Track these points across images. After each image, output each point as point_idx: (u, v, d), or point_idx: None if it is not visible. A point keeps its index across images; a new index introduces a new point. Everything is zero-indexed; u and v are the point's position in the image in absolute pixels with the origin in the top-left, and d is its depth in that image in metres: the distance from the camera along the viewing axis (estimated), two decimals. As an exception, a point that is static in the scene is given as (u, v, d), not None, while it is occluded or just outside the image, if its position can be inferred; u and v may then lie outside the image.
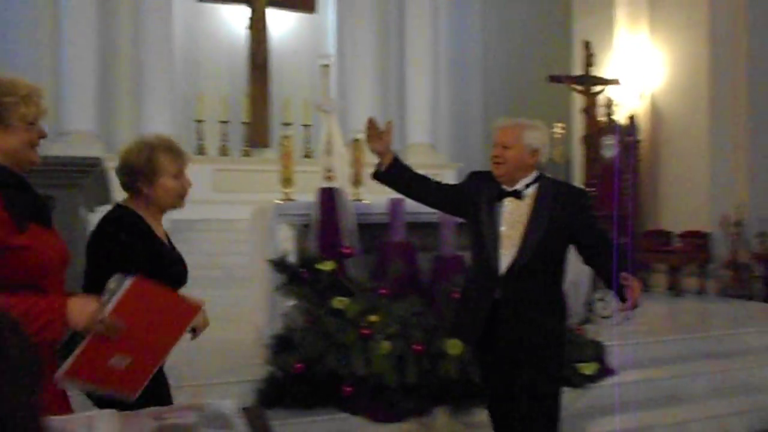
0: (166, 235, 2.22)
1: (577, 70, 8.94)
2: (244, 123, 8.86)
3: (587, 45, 8.57)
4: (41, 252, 1.69)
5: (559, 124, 7.05)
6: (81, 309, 1.62)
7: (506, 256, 2.62)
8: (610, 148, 8.84)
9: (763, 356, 5.01)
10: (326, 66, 4.45)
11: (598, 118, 8.86)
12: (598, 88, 8.56)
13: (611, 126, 8.85)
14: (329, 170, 4.26)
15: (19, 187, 1.73)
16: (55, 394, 1.75)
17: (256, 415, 1.67)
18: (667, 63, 8.68)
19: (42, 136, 1.79)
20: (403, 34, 9.76)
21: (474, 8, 11.66)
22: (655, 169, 8.85)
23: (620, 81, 8.76)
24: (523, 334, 2.62)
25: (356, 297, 3.70)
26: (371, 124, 2.75)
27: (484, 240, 2.66)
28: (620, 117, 8.84)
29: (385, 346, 3.51)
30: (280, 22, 9.47)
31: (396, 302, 3.72)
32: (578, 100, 9.03)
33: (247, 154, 8.72)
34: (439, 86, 10.07)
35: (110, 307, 1.62)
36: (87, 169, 3.46)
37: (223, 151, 8.68)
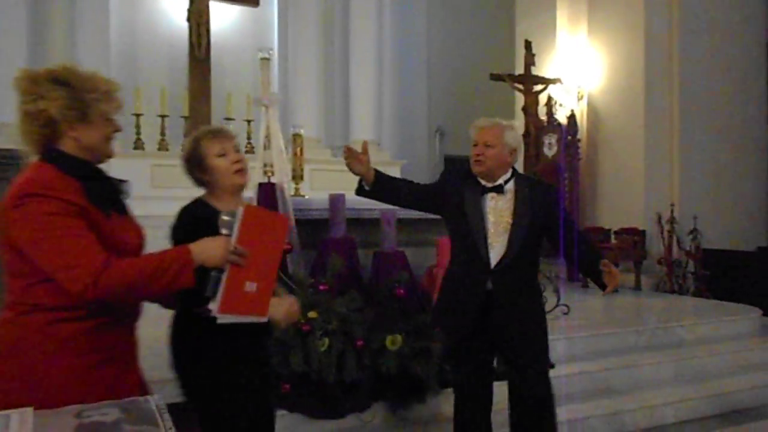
0: None
1: (520, 70, 9.08)
2: (184, 117, 8.65)
3: (528, 45, 8.70)
4: (121, 237, 1.81)
5: (501, 123, 7.15)
6: (211, 247, 1.79)
7: (495, 249, 2.81)
8: (551, 146, 9.02)
9: (693, 349, 5.18)
10: (266, 59, 4.38)
11: (540, 117, 9.02)
12: (539, 87, 8.70)
13: (552, 125, 9.03)
14: (268, 165, 4.21)
15: (98, 179, 1.83)
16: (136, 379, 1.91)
17: (183, 411, 1.63)
18: (605, 64, 8.90)
19: (117, 130, 1.88)
20: (347, 30, 9.73)
21: (419, 5, 11.71)
22: (594, 167, 9.07)
23: (561, 80, 8.92)
24: (516, 320, 2.86)
25: (295, 293, 3.66)
26: (349, 151, 2.83)
27: (473, 234, 2.81)
28: (561, 116, 9.02)
29: (325, 342, 3.49)
30: (222, 15, 9.29)
31: (336, 298, 3.70)
32: (521, 99, 9.18)
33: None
34: (383, 83, 10.07)
35: (235, 238, 1.80)
36: (11, 162, 3.32)
37: (162, 146, 8.47)
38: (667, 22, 8.36)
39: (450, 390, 3.88)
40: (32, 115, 1.75)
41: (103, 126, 1.83)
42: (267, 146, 4.33)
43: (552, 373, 4.34)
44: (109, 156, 1.89)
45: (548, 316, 5.43)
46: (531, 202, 2.82)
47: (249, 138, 8.55)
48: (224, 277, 1.82)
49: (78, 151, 1.80)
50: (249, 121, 8.54)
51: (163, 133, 8.53)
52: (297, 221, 4.18)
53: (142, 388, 1.91)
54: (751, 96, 8.68)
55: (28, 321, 1.72)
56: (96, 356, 1.76)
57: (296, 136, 4.56)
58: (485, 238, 2.81)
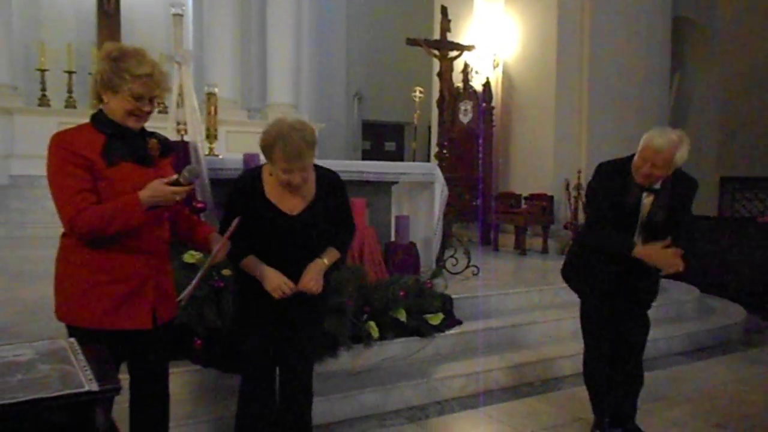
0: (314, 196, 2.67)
1: (438, 36, 9.18)
2: (92, 74, 8.33)
3: (444, 10, 8.80)
4: (119, 183, 2.18)
5: (419, 88, 7.23)
6: (153, 187, 2.16)
7: (639, 236, 3.23)
8: (467, 113, 9.22)
9: (591, 306, 5.50)
10: (178, 15, 4.28)
11: (455, 84, 9.17)
12: (454, 53, 8.83)
13: (468, 91, 9.21)
14: (181, 123, 4.15)
15: (119, 135, 2.23)
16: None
17: (94, 350, 1.66)
18: (520, 33, 9.11)
19: (143, 110, 2.24)
20: (265, -10, 9.55)
21: (339, -32, 11.59)
22: (508, 134, 9.32)
23: (475, 47, 9.07)
24: (648, 285, 3.39)
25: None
26: None
27: (623, 221, 3.21)
28: (477, 84, 9.21)
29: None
30: (133, -31, 8.94)
31: (250, 256, 3.72)
32: (438, 65, 9.29)
33: (95, 106, 8.22)
34: (301, 45, 9.97)
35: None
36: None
37: (69, 103, 8.13)
38: (579, -6, 8.62)
39: (361, 345, 4.03)
40: (93, 76, 2.26)
41: (126, 101, 2.20)
42: (180, 104, 4.26)
43: (459, 329, 4.59)
44: (130, 127, 2.25)
45: (459, 277, 5.73)
46: (670, 199, 3.18)
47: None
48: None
49: (110, 113, 2.24)
50: (162, 80, 8.28)
51: (70, 90, 8.19)
52: (211, 181, 4.16)
53: (160, 313, 2.36)
54: (655, 69, 9.10)
55: (63, 244, 2.27)
56: (106, 276, 2.21)
57: (210, 95, 4.50)
58: (634, 226, 3.23)
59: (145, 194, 2.16)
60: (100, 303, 2.20)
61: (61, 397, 1.36)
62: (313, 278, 2.62)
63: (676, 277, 3.65)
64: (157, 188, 2.17)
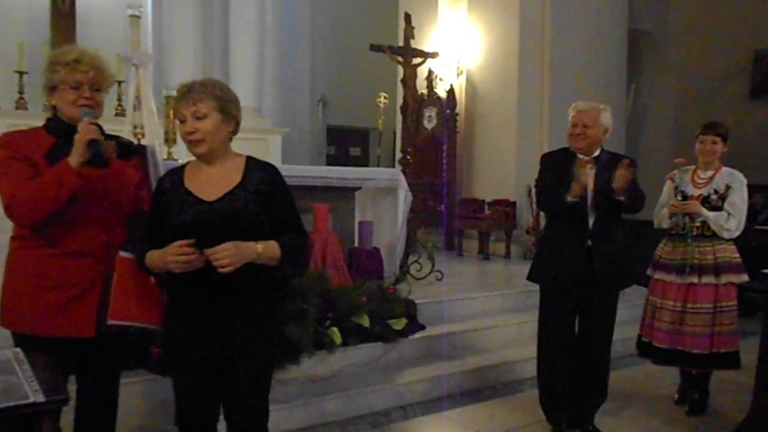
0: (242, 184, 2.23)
1: (401, 42, 9.19)
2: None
3: (408, 17, 8.82)
4: None
5: (383, 94, 7.22)
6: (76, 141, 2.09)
7: (591, 213, 3.31)
8: (431, 119, 9.24)
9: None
10: (136, 17, 4.20)
11: (419, 90, 9.19)
12: (418, 60, 8.85)
13: (432, 98, 9.24)
14: (138, 127, 4.05)
15: (69, 137, 2.14)
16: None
17: (41, 360, 1.59)
18: (483, 42, 9.18)
19: (84, 96, 2.19)
20: (227, -8, 9.41)
21: (302, -28, 11.53)
22: (471, 141, 9.38)
23: (439, 54, 9.11)
24: (612, 269, 3.35)
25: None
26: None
27: (577, 201, 3.25)
28: (441, 91, 9.25)
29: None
30: (90, -32, 8.73)
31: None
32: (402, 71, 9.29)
33: (48, 109, 8.01)
34: (265, 49, 9.83)
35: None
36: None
37: (20, 105, 7.89)
38: (540, 5, 8.73)
39: (324, 351, 3.99)
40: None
41: (66, 93, 2.18)
42: (137, 107, 4.17)
43: (423, 334, 4.58)
44: (78, 120, 2.16)
45: (422, 282, 5.73)
46: (609, 171, 3.24)
47: (119, 99, 8.12)
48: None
49: (61, 114, 2.24)
50: (119, 82, 8.09)
51: (21, 91, 7.94)
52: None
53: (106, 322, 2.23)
54: (613, 79, 9.25)
55: (11, 248, 2.24)
56: (48, 281, 2.16)
57: (169, 99, 4.40)
58: (586, 201, 3.29)
59: (72, 157, 2.10)
60: (41, 309, 2.16)
61: (4, 409, 1.29)
62: (227, 249, 2.02)
63: (629, 281, 3.65)
64: (75, 140, 2.12)
